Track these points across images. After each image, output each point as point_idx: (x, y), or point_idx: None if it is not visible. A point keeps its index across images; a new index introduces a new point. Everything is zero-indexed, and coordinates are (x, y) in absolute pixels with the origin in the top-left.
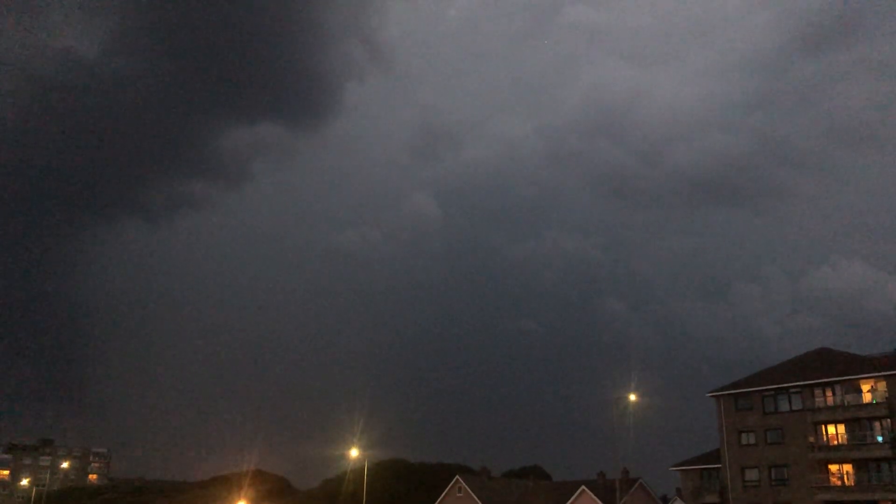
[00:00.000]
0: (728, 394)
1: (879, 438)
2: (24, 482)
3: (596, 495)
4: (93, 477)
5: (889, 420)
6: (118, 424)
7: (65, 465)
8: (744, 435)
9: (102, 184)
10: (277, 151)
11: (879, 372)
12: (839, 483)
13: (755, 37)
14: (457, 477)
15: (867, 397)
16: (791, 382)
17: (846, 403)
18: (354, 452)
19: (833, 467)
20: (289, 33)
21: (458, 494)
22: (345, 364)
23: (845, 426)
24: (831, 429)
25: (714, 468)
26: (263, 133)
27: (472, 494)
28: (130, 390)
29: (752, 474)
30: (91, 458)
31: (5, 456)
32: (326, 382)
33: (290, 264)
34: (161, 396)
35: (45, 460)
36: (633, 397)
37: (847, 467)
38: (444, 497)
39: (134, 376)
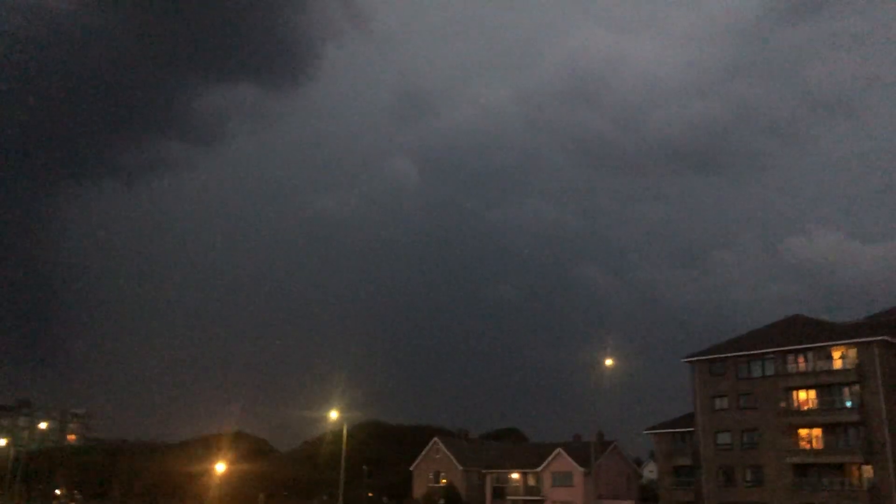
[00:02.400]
0: (702, 359)
1: (848, 403)
2: (2, 442)
3: (571, 457)
4: (72, 437)
5: (858, 386)
6: (98, 385)
7: (43, 425)
8: (717, 400)
9: (77, 143)
10: (254, 113)
11: (850, 339)
12: (808, 447)
13: (735, 4)
14: (435, 438)
15: (838, 364)
16: (764, 349)
17: (817, 370)
18: (334, 414)
19: (803, 432)
20: None
21: (437, 456)
22: (323, 327)
23: (816, 392)
24: (802, 394)
25: (687, 432)
26: (240, 94)
27: (450, 456)
28: (110, 351)
29: (724, 438)
30: (70, 419)
31: None
32: (305, 345)
33: (268, 226)
34: (140, 358)
35: (23, 421)
36: (608, 362)
37: (816, 432)
38: (422, 458)
39: (113, 337)
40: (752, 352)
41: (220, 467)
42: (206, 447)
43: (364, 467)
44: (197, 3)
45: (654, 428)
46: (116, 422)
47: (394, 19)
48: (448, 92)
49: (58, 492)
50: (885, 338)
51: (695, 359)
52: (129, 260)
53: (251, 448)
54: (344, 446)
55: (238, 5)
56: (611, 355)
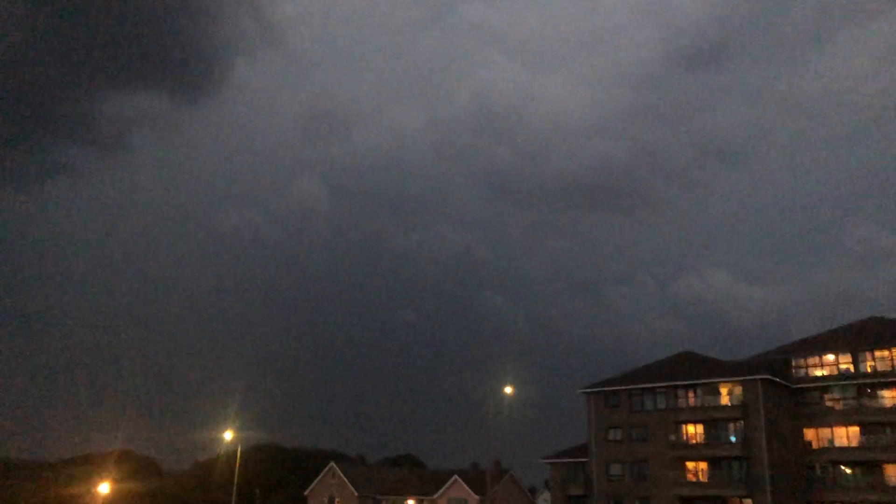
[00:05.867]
0: (598, 391)
1: (732, 438)
2: None
3: (468, 485)
4: None
5: (742, 422)
6: None
7: None
8: (611, 431)
9: None
10: (160, 124)
11: (736, 377)
12: (694, 479)
13: (639, 50)
14: (331, 463)
15: (725, 400)
16: (657, 383)
17: (706, 405)
18: (228, 435)
19: (690, 464)
20: (177, 1)
21: (332, 481)
22: (221, 347)
23: (703, 426)
24: (691, 428)
25: (582, 462)
26: (147, 102)
27: (346, 481)
28: None
29: (616, 469)
30: None
31: None
32: (201, 364)
33: (167, 241)
34: (17, 369)
35: None
36: (508, 390)
37: (702, 465)
38: (317, 482)
39: None
40: (645, 385)
41: (104, 488)
42: (89, 466)
43: (256, 490)
44: (104, 5)
45: (549, 457)
46: None
47: (308, 40)
48: (361, 115)
49: None
50: (768, 376)
51: (591, 390)
52: (10, 267)
53: (138, 468)
54: (237, 468)
55: (148, 11)
56: (510, 383)
